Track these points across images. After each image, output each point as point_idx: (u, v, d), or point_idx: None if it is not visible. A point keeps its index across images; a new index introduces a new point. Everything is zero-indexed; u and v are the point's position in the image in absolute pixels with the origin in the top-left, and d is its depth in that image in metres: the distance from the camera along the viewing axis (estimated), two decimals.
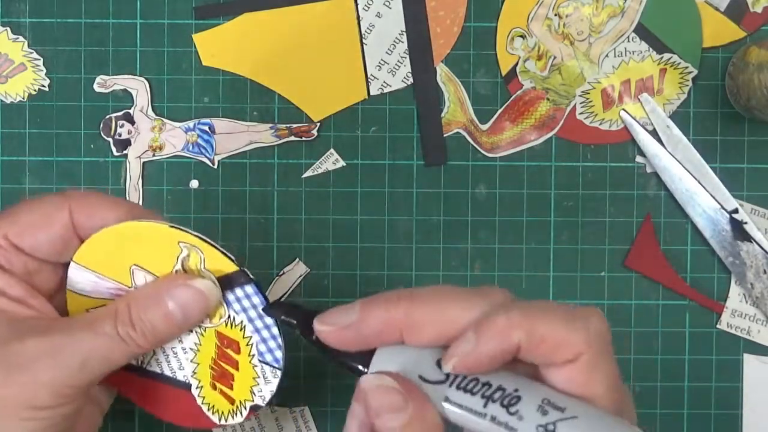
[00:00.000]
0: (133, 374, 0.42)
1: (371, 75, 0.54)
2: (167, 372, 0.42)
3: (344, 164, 0.54)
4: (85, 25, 0.54)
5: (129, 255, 0.40)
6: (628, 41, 0.53)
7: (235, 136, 0.53)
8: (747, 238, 0.53)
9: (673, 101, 0.54)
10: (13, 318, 0.39)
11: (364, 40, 0.54)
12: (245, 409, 0.41)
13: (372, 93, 0.54)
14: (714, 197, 0.53)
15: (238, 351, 0.40)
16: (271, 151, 0.53)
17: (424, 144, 0.54)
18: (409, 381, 0.34)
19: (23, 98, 0.54)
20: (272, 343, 0.40)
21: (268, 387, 0.40)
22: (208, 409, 0.42)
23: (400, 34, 0.54)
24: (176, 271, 0.40)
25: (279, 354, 0.40)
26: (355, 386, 0.35)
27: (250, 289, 0.39)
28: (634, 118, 0.53)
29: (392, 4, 0.54)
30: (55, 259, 0.41)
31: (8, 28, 0.53)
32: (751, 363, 0.54)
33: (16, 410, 0.36)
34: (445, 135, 0.54)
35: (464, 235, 0.54)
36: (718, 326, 0.54)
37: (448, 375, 0.34)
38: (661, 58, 0.53)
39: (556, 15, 0.54)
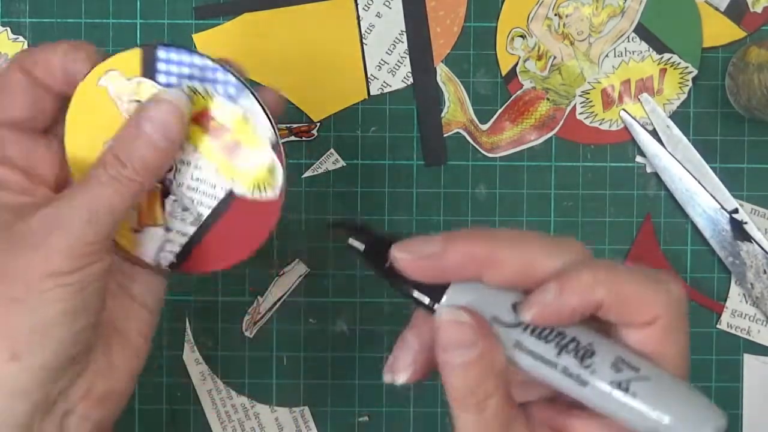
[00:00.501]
0: (192, 246, 0.41)
1: (371, 75, 0.54)
2: (207, 205, 0.40)
3: (344, 164, 0.54)
4: (85, 25, 0.54)
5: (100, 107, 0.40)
6: (628, 41, 0.53)
7: None
8: (747, 238, 0.53)
9: (673, 101, 0.54)
10: (17, 205, 0.38)
11: (364, 40, 0.54)
12: (275, 160, 0.39)
13: (372, 93, 0.54)
14: (714, 197, 0.53)
15: (230, 130, 0.39)
16: None
17: (424, 144, 0.54)
18: (482, 318, 0.33)
19: None
20: (232, 90, 0.39)
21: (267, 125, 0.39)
22: (256, 189, 0.40)
23: (400, 34, 0.54)
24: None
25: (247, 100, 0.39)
26: (412, 317, 0.35)
27: (174, 55, 0.39)
28: (634, 118, 0.53)
29: (392, 4, 0.54)
30: (41, 121, 0.40)
31: (8, 28, 0.53)
32: (751, 363, 0.54)
33: (36, 284, 0.35)
34: (445, 135, 0.54)
35: None
36: (718, 326, 0.54)
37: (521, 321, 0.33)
38: (661, 58, 0.53)
39: (556, 15, 0.54)
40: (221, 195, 0.40)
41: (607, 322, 0.33)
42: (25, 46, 0.53)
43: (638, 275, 0.33)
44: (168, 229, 0.40)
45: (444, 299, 0.34)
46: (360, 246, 0.36)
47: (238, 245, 0.40)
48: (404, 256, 0.34)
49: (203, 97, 0.39)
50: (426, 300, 0.34)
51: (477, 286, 0.34)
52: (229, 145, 0.40)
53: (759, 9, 0.54)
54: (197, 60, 0.39)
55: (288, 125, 0.54)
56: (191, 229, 0.40)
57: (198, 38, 0.54)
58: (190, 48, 0.39)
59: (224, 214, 0.40)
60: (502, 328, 0.33)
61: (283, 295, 0.54)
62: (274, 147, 0.39)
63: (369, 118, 0.54)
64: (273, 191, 0.40)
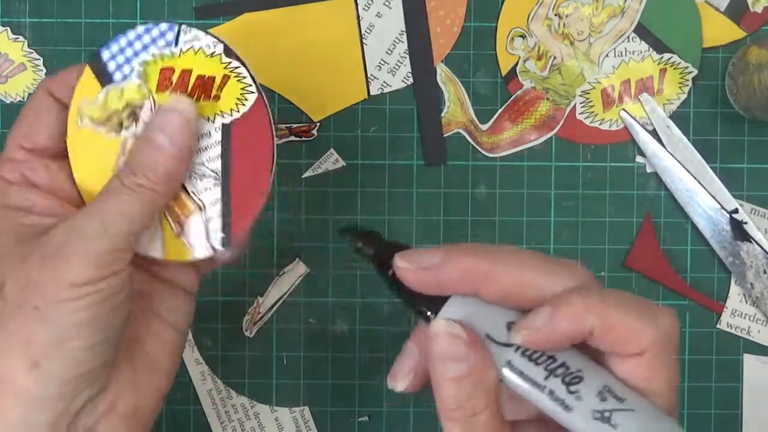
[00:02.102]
0: (229, 209, 0.41)
1: (371, 75, 0.54)
2: (215, 155, 0.41)
3: (344, 164, 0.54)
4: (85, 25, 0.54)
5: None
6: (628, 41, 0.53)
7: None
8: (747, 238, 0.53)
9: (673, 101, 0.54)
10: (42, 228, 0.39)
11: (364, 40, 0.54)
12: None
13: (372, 93, 0.54)
14: (714, 197, 0.53)
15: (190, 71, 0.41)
16: None
17: (424, 144, 0.54)
18: (476, 334, 0.34)
19: (23, 98, 0.54)
20: (170, 35, 0.40)
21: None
22: (239, 105, 0.41)
23: (400, 34, 0.54)
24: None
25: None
26: (413, 330, 0.36)
27: (115, 46, 0.41)
28: (634, 118, 0.53)
29: (392, 4, 0.54)
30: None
31: (8, 28, 0.53)
32: (751, 363, 0.54)
33: (57, 293, 0.36)
34: (445, 135, 0.54)
35: (464, 235, 0.54)
36: (718, 326, 0.54)
37: None
38: (661, 58, 0.53)
39: (556, 15, 0.54)
40: (218, 136, 0.41)
41: (599, 350, 0.33)
42: (25, 47, 0.53)
43: (629, 305, 0.33)
44: (202, 208, 0.41)
45: (441, 312, 0.34)
46: (369, 251, 0.37)
47: (259, 172, 0.41)
48: (405, 266, 0.35)
49: (156, 60, 0.40)
50: (425, 310, 0.35)
51: (475, 301, 0.34)
52: (198, 85, 0.41)
53: (759, 9, 0.54)
54: (132, 35, 0.40)
55: (288, 125, 0.54)
56: (218, 192, 0.41)
57: None
58: (124, 31, 0.41)
59: (232, 154, 0.41)
60: (494, 346, 0.34)
61: (283, 295, 0.54)
62: (228, 60, 0.40)
63: (369, 118, 0.54)
64: (252, 96, 0.41)
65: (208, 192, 0.41)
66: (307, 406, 0.54)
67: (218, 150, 0.41)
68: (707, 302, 0.54)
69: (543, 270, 0.34)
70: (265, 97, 0.40)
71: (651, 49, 0.53)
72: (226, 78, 0.40)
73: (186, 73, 0.41)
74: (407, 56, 0.54)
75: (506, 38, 0.54)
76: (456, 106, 0.54)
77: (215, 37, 0.40)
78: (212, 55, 0.40)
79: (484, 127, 0.54)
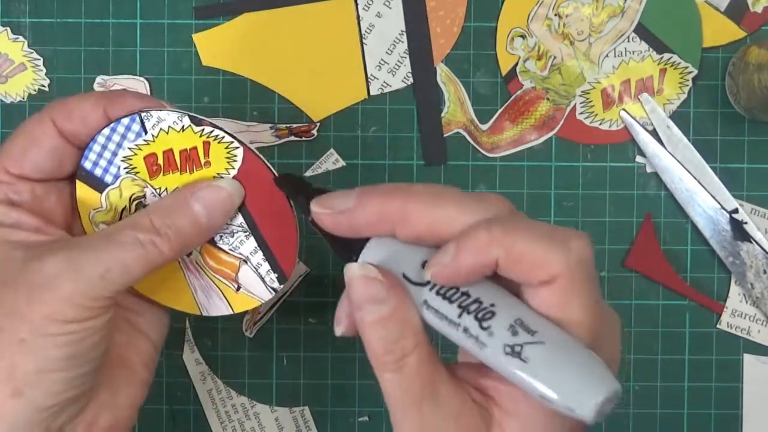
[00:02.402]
0: (269, 250, 0.42)
1: (371, 75, 0.54)
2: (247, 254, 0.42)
3: (344, 164, 0.54)
4: (85, 25, 0.54)
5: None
6: (628, 41, 0.53)
7: None
8: (747, 238, 0.53)
9: (673, 101, 0.54)
10: (31, 243, 0.38)
11: (364, 40, 0.54)
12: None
13: (372, 93, 0.54)
14: (714, 197, 0.53)
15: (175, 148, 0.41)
16: (271, 151, 0.53)
17: (424, 144, 0.54)
18: (393, 276, 0.33)
19: (23, 98, 0.54)
20: (136, 126, 0.41)
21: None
22: (231, 162, 0.41)
23: (400, 34, 0.54)
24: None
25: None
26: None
27: (92, 156, 0.41)
28: (634, 118, 0.53)
29: (392, 4, 0.54)
30: (57, 174, 0.41)
31: (8, 28, 0.53)
32: (751, 363, 0.54)
33: (43, 327, 0.36)
34: (445, 135, 0.54)
35: None
36: (718, 326, 0.54)
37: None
38: (661, 58, 0.53)
39: (556, 15, 0.54)
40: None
41: (516, 282, 0.33)
42: (25, 47, 0.53)
43: (536, 233, 0.32)
44: (246, 260, 0.41)
45: (361, 256, 0.34)
46: (294, 198, 0.37)
47: (278, 208, 0.41)
48: (320, 210, 0.35)
49: (135, 152, 0.41)
50: (348, 254, 0.35)
51: (393, 242, 0.34)
52: (185, 158, 0.41)
53: (759, 9, 0.54)
54: (102, 139, 0.41)
55: (288, 125, 0.54)
56: (252, 241, 0.41)
57: (198, 38, 0.54)
58: (93, 137, 0.41)
59: (248, 205, 0.41)
60: (412, 287, 0.33)
61: (283, 295, 0.54)
62: (200, 128, 0.41)
63: (369, 118, 0.54)
64: (238, 150, 0.41)
65: (244, 245, 0.41)
66: (307, 406, 0.54)
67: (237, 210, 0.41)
68: (707, 302, 0.54)
69: (457, 206, 0.33)
70: (250, 147, 0.41)
71: (651, 49, 0.53)
72: (206, 144, 0.41)
73: (168, 152, 0.41)
74: (407, 56, 0.54)
75: (506, 38, 0.54)
76: (456, 106, 0.54)
77: (177, 111, 0.41)
78: (183, 129, 0.41)
79: (484, 127, 0.54)
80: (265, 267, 0.41)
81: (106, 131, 0.41)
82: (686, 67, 0.53)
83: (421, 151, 0.54)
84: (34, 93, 0.54)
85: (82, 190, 0.42)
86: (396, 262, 0.34)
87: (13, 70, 0.54)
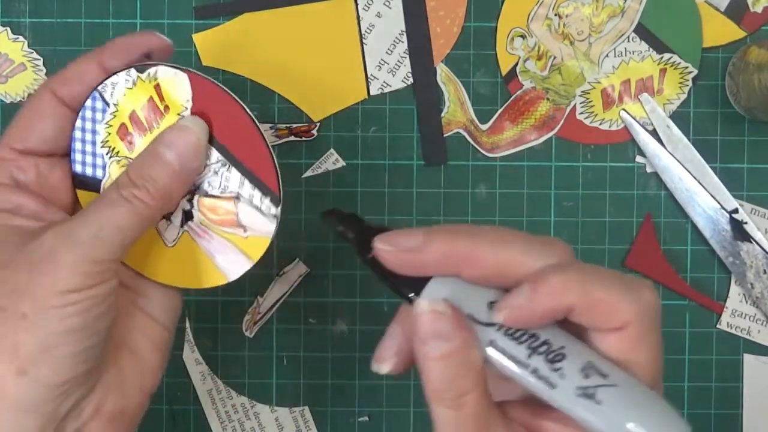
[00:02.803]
0: (255, 176, 0.41)
1: (371, 75, 0.54)
2: (246, 197, 0.41)
3: (344, 164, 0.54)
4: (85, 25, 0.54)
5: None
6: (628, 41, 0.53)
7: None
8: (747, 238, 0.53)
9: (673, 101, 0.54)
10: (29, 228, 0.39)
11: (364, 40, 0.54)
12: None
13: (372, 93, 0.54)
14: (714, 197, 0.53)
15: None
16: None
17: (424, 144, 0.54)
18: (460, 312, 0.33)
19: (23, 98, 0.54)
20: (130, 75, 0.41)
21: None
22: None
23: (400, 34, 0.54)
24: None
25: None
26: (398, 310, 0.36)
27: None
28: (634, 118, 0.53)
29: (392, 4, 0.54)
30: (61, 145, 0.41)
31: (8, 28, 0.53)
32: (751, 363, 0.54)
33: (45, 300, 0.36)
34: (445, 135, 0.54)
35: None
36: (718, 326, 0.54)
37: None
38: (661, 58, 0.53)
39: (556, 15, 0.54)
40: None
41: (581, 326, 0.33)
42: (25, 47, 0.53)
43: (610, 280, 0.33)
44: (238, 198, 0.41)
45: (423, 293, 0.34)
46: (349, 235, 0.37)
47: (246, 129, 0.41)
48: (385, 248, 0.34)
49: (108, 131, 0.42)
50: (407, 292, 0.35)
51: (457, 282, 0.34)
52: (149, 113, 0.41)
53: (759, 9, 0.54)
54: (78, 134, 0.42)
55: (288, 125, 0.54)
56: (236, 173, 0.41)
57: (198, 38, 0.54)
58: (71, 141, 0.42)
59: (217, 136, 0.41)
60: (477, 326, 0.33)
61: (283, 295, 0.54)
62: (146, 74, 0.41)
63: (369, 118, 0.54)
64: (183, 77, 0.41)
65: (230, 181, 0.41)
66: (307, 406, 0.54)
67: (209, 146, 0.41)
68: (707, 302, 0.54)
69: (523, 249, 0.33)
70: (193, 70, 0.41)
71: (651, 49, 0.53)
72: (158, 88, 0.41)
73: (132, 116, 0.41)
74: (407, 56, 0.54)
75: (506, 38, 0.54)
76: (456, 106, 0.54)
77: (122, 70, 0.41)
78: (134, 83, 0.41)
79: (484, 127, 0.54)
80: (257, 195, 0.41)
81: (78, 122, 0.41)
82: (686, 67, 0.54)
83: (421, 151, 0.54)
84: (34, 93, 0.54)
85: (83, 196, 0.42)
86: (460, 301, 0.34)
87: (13, 70, 0.54)
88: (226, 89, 0.41)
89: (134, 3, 0.54)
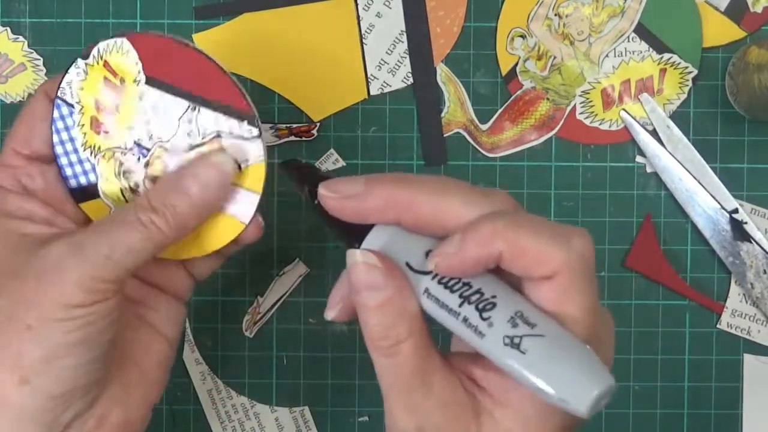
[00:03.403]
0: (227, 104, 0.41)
1: (371, 75, 0.54)
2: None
3: (344, 164, 0.54)
4: (85, 25, 0.54)
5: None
6: (628, 41, 0.53)
7: None
8: (747, 238, 0.53)
9: (673, 101, 0.54)
10: (42, 236, 0.39)
11: (364, 40, 0.54)
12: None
13: (372, 93, 0.54)
14: (714, 197, 0.53)
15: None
16: (271, 151, 0.53)
17: (424, 144, 0.54)
18: (393, 263, 0.34)
19: (23, 98, 0.54)
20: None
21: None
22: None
23: (400, 34, 0.54)
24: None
25: None
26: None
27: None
28: (634, 118, 0.53)
29: (392, 4, 0.54)
30: None
31: (8, 28, 0.53)
32: (751, 363, 0.54)
33: (50, 312, 0.36)
34: (445, 135, 0.54)
35: None
36: (718, 326, 0.54)
37: None
38: (661, 58, 0.53)
39: (556, 15, 0.54)
40: (152, 93, 0.41)
41: (516, 275, 0.33)
42: (25, 47, 0.53)
43: (539, 228, 0.33)
44: (219, 135, 0.41)
45: (364, 242, 0.35)
46: (300, 181, 0.37)
47: (203, 65, 0.41)
48: (328, 194, 0.35)
49: (85, 134, 0.42)
50: (351, 240, 0.35)
51: (397, 231, 0.35)
52: (107, 90, 0.42)
53: (759, 9, 0.54)
54: (55, 139, 0.42)
55: (288, 125, 0.54)
56: (204, 111, 0.41)
57: (198, 38, 0.54)
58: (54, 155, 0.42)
59: (177, 85, 0.41)
60: (413, 275, 0.34)
61: (283, 295, 0.54)
62: (93, 62, 0.41)
63: (369, 118, 0.54)
64: (125, 44, 0.41)
65: (206, 122, 0.41)
66: (307, 406, 0.54)
67: (173, 98, 0.41)
68: (707, 302, 0.54)
69: (463, 199, 0.34)
70: (129, 30, 0.41)
71: (651, 49, 0.53)
72: (107, 65, 0.41)
73: (97, 104, 0.41)
74: (407, 56, 0.54)
75: (506, 38, 0.54)
76: (456, 106, 0.54)
77: (69, 66, 0.41)
78: (86, 73, 0.41)
79: (484, 127, 0.54)
80: (235, 123, 0.40)
81: (55, 138, 0.41)
82: (686, 67, 0.53)
83: (421, 151, 0.54)
84: (31, 97, 0.54)
85: (88, 207, 0.42)
86: (399, 250, 0.34)
87: (13, 70, 0.54)
88: (166, 35, 0.41)
89: (134, 3, 0.54)
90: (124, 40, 0.41)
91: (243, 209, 0.41)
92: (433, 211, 0.34)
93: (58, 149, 0.41)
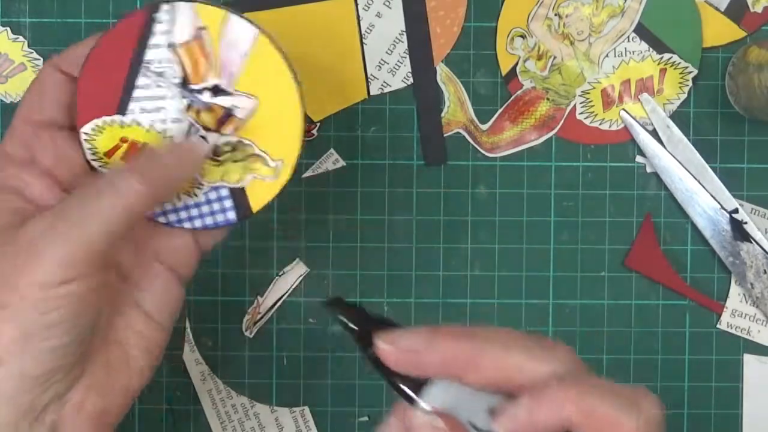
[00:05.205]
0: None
1: (371, 75, 0.54)
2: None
3: (344, 164, 0.54)
4: (85, 25, 0.54)
5: None
6: (628, 41, 0.53)
7: None
8: (747, 238, 0.53)
9: (673, 101, 0.54)
10: (25, 209, 0.38)
11: (364, 40, 0.54)
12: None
13: (372, 93, 0.54)
14: (714, 197, 0.53)
15: None
16: None
17: (424, 144, 0.54)
18: (459, 424, 0.34)
19: None
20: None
21: None
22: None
23: (400, 34, 0.54)
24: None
25: None
26: (395, 404, 0.35)
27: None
28: (634, 118, 0.53)
29: (392, 4, 0.54)
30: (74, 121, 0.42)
31: (8, 28, 0.53)
32: (751, 363, 0.54)
33: (27, 291, 0.35)
34: (445, 135, 0.54)
35: (464, 235, 0.54)
36: (718, 326, 0.54)
37: None
38: (661, 58, 0.53)
39: (556, 15, 0.54)
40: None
41: None
42: (25, 47, 0.53)
43: (610, 394, 0.32)
44: (228, 109, 0.42)
45: (422, 395, 0.34)
46: (352, 327, 0.37)
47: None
48: (386, 348, 0.34)
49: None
50: (407, 392, 0.35)
51: (459, 387, 0.34)
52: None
53: (759, 9, 0.54)
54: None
55: None
56: (204, 95, 0.42)
57: None
58: None
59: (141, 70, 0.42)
60: None
61: (283, 295, 0.54)
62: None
63: (369, 118, 0.54)
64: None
65: (205, 98, 0.41)
66: (307, 406, 0.54)
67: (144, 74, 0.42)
68: (707, 302, 0.54)
69: (527, 354, 0.33)
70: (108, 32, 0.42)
71: (651, 49, 0.53)
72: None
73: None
74: (407, 56, 0.54)
75: (506, 38, 0.54)
76: (456, 106, 0.54)
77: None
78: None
79: (484, 127, 0.54)
80: (227, 81, 0.42)
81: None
82: (686, 67, 0.53)
83: (421, 151, 0.54)
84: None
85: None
86: (460, 407, 0.34)
87: (13, 70, 0.54)
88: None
89: (134, 3, 0.54)
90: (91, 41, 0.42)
91: (288, 140, 0.44)
92: (497, 368, 0.33)
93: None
